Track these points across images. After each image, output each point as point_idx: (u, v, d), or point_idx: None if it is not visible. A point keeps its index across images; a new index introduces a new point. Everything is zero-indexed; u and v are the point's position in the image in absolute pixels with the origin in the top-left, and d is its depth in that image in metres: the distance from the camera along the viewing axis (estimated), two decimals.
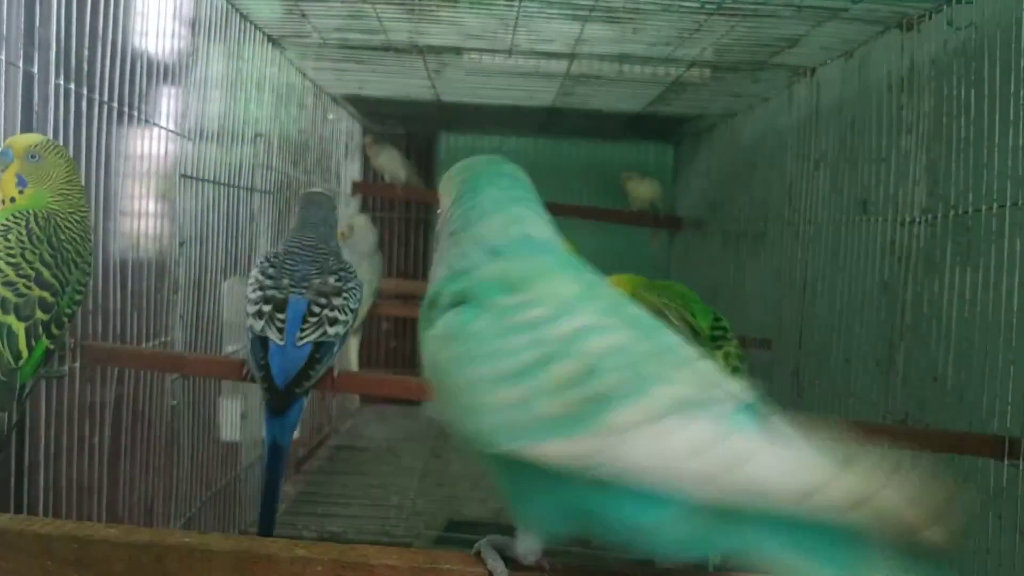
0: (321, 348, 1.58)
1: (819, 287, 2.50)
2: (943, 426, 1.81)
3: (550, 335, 0.86)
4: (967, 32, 1.80)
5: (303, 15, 2.32)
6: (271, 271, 1.64)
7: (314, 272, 1.65)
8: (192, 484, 2.20)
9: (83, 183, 1.59)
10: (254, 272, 1.67)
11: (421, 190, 4.21)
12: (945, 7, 1.91)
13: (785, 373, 2.73)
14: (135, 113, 1.81)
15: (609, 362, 0.84)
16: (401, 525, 2.73)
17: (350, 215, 3.70)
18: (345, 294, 1.65)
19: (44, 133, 1.50)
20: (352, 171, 4.18)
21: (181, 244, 2.05)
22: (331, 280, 1.65)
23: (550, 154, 4.58)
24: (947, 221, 1.86)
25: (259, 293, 1.61)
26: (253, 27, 2.45)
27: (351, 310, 1.65)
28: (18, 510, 1.48)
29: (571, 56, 2.65)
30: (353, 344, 3.14)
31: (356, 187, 4.10)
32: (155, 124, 1.93)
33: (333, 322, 1.60)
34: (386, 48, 2.65)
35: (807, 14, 2.07)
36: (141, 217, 1.90)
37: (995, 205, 1.66)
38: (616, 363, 0.84)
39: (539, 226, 1.05)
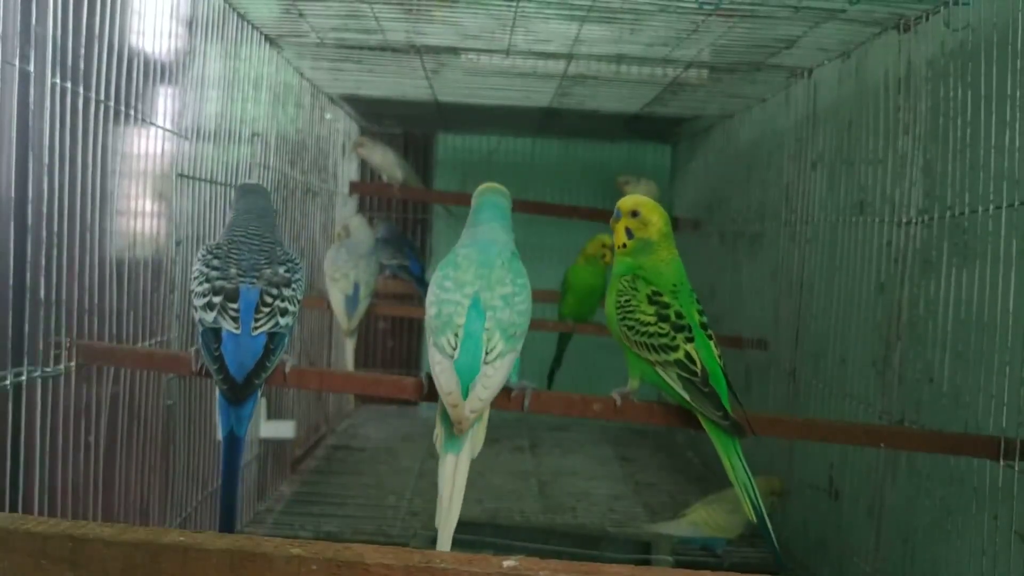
0: (275, 339, 1.56)
1: (816, 288, 2.50)
2: (939, 427, 1.82)
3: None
4: (964, 33, 1.81)
5: (300, 15, 2.32)
6: (215, 262, 1.60)
7: (263, 261, 1.62)
8: (188, 484, 2.20)
9: (80, 183, 1.59)
10: (196, 265, 1.63)
11: (418, 190, 4.21)
12: (942, 9, 1.91)
13: (781, 373, 2.74)
14: (132, 112, 1.81)
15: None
16: (397, 525, 2.72)
17: (346, 215, 3.69)
18: (294, 285, 1.62)
19: (40, 132, 1.50)
20: (349, 171, 4.18)
21: (178, 244, 2.05)
22: (280, 270, 1.62)
23: (547, 154, 4.58)
24: (944, 222, 1.86)
25: (206, 285, 1.57)
26: (250, 26, 2.45)
27: (298, 301, 1.63)
28: (13, 509, 1.48)
29: (568, 56, 2.65)
30: (349, 345, 3.13)
31: (353, 187, 4.09)
32: (152, 123, 1.93)
33: (284, 313, 1.57)
34: (383, 48, 2.65)
35: (804, 15, 2.07)
36: (138, 217, 1.90)
37: (991, 206, 1.66)
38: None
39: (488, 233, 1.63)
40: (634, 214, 1.68)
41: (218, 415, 1.55)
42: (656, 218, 1.68)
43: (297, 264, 1.68)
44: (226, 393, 1.51)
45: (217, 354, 1.52)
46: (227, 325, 1.53)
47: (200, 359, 1.60)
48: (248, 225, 1.70)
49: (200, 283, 1.58)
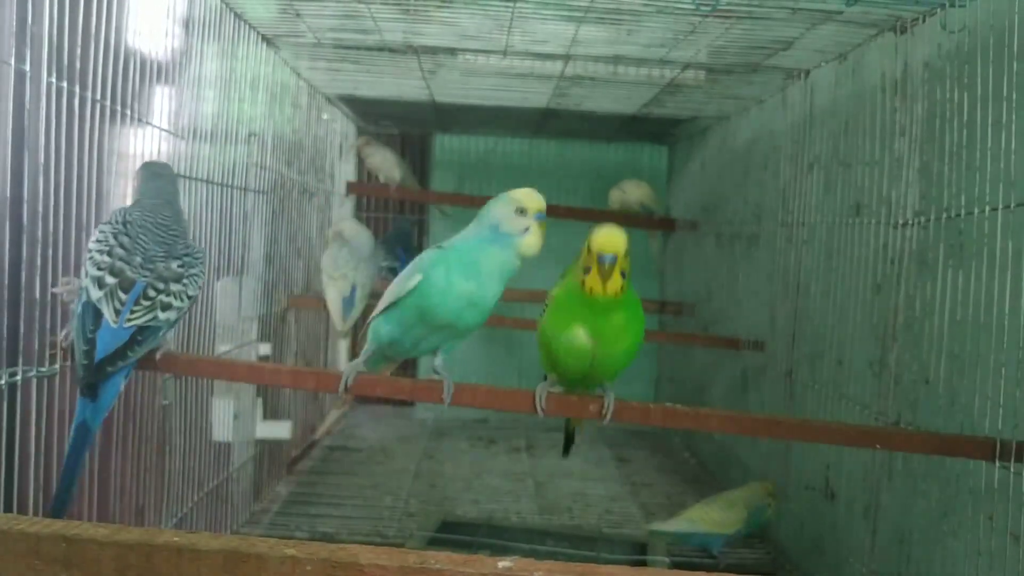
0: (145, 331, 1.54)
1: (812, 289, 2.50)
2: (935, 428, 1.82)
3: None
4: (960, 36, 1.81)
5: (297, 15, 2.32)
6: (125, 240, 1.58)
7: (160, 255, 1.61)
8: (184, 484, 2.20)
9: (76, 183, 1.59)
10: (104, 228, 1.59)
11: (416, 191, 4.21)
12: (939, 10, 1.91)
13: (778, 374, 2.74)
14: (128, 112, 1.80)
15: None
16: (393, 526, 2.72)
17: (341, 218, 3.69)
18: (186, 280, 1.61)
19: (36, 132, 1.49)
20: (346, 171, 4.18)
21: None
22: (174, 265, 1.60)
23: (544, 155, 4.58)
24: (939, 224, 1.86)
25: (107, 259, 1.54)
26: (247, 26, 2.45)
27: (188, 296, 1.62)
28: (8, 509, 1.48)
29: (566, 57, 2.65)
30: (342, 346, 3.13)
31: (350, 187, 4.09)
32: (148, 123, 1.92)
33: (166, 307, 1.57)
34: (381, 48, 2.65)
35: (801, 16, 2.07)
36: None
37: (987, 208, 1.66)
38: None
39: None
40: (627, 253, 1.57)
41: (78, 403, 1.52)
42: (627, 246, 1.59)
43: (195, 258, 1.66)
44: (81, 378, 1.48)
45: (91, 336, 1.50)
46: (108, 314, 1.51)
47: (71, 334, 1.56)
48: (157, 212, 1.67)
49: (101, 252, 1.55)
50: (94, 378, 1.49)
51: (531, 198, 1.63)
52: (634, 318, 1.60)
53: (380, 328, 1.70)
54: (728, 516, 2.44)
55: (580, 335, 1.58)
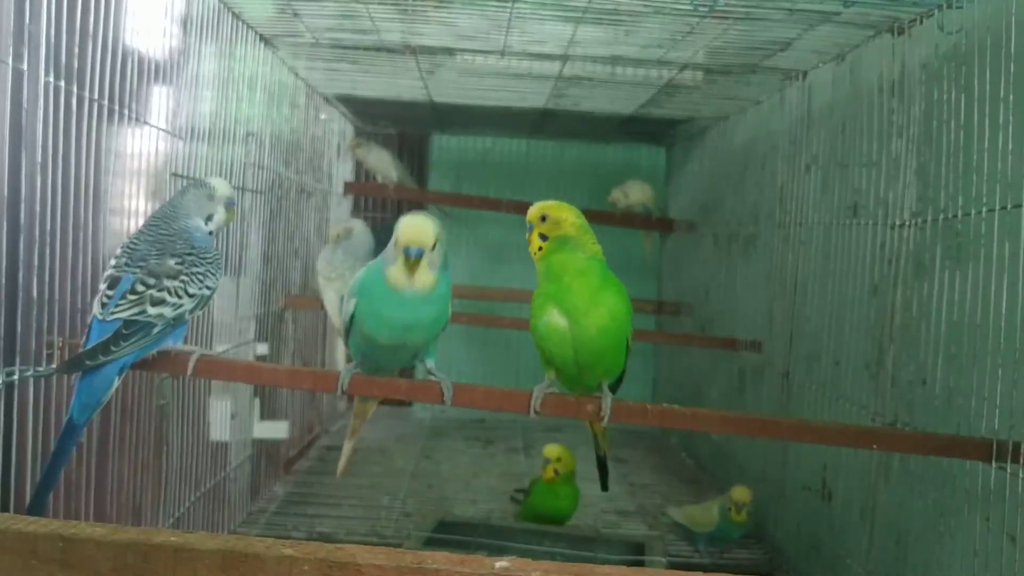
0: (132, 326, 1.51)
1: (810, 290, 2.51)
2: (932, 429, 1.82)
3: None
4: (958, 36, 1.81)
5: (295, 14, 2.32)
6: (119, 252, 1.60)
7: (154, 253, 1.59)
8: (181, 484, 2.20)
9: (74, 182, 1.59)
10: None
11: (413, 190, 4.21)
12: (936, 11, 1.92)
13: (775, 375, 2.74)
14: (126, 111, 1.80)
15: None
16: (391, 526, 2.72)
17: (346, 217, 3.69)
18: (184, 277, 1.58)
19: (33, 131, 1.49)
20: (344, 171, 4.17)
21: None
22: (170, 262, 1.58)
23: (542, 156, 4.58)
24: (937, 225, 1.86)
25: (105, 273, 1.58)
26: (245, 26, 2.45)
27: (189, 294, 1.59)
28: (4, 509, 1.48)
29: (564, 58, 2.65)
30: (341, 346, 3.13)
31: (348, 187, 4.09)
32: (146, 123, 1.92)
33: (158, 302, 1.54)
34: (378, 48, 2.65)
35: (799, 17, 2.08)
36: (132, 216, 1.90)
37: (984, 209, 1.67)
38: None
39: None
40: (543, 219, 1.63)
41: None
42: (566, 214, 1.64)
43: (200, 258, 1.63)
44: (61, 366, 1.50)
45: (85, 339, 1.52)
46: (97, 310, 1.52)
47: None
48: (153, 219, 1.67)
49: (104, 276, 1.59)
50: (71, 368, 1.48)
51: (409, 231, 1.54)
52: (605, 292, 1.58)
53: (352, 347, 1.70)
54: (702, 516, 2.57)
55: (553, 315, 1.58)
